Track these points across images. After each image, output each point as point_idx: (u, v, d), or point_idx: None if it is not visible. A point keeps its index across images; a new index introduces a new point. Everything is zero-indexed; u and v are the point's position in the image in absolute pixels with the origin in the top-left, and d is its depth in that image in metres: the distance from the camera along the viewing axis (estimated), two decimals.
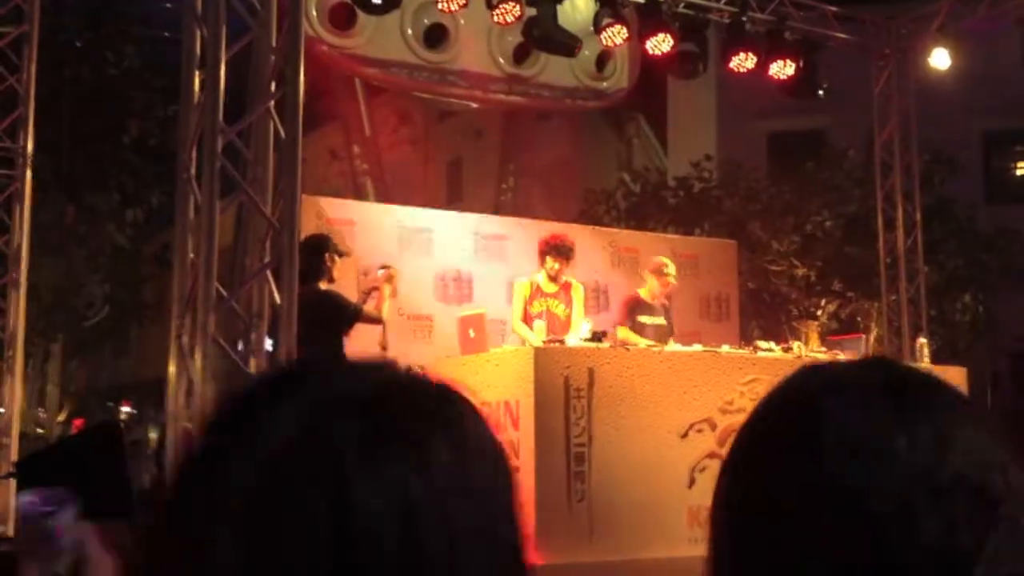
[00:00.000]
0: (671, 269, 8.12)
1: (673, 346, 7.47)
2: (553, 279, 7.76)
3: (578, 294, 7.86)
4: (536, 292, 7.77)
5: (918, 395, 0.80)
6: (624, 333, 7.70)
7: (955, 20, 10.14)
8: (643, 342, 7.42)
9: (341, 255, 6.96)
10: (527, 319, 7.66)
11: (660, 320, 8.04)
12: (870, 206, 11.84)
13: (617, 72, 10.45)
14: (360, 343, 6.99)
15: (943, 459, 0.75)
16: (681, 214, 14.89)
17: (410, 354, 7.67)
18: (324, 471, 0.64)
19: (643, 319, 7.95)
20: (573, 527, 6.35)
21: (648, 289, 8.14)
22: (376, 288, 7.03)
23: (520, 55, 9.72)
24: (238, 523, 0.64)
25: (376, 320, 6.91)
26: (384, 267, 7.19)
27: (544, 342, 6.86)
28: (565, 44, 8.95)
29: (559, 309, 7.76)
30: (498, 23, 8.97)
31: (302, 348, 6.18)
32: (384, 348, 7.15)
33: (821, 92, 9.81)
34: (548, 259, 7.71)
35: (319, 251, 6.76)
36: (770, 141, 18.50)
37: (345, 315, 6.74)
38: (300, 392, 0.69)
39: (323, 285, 6.77)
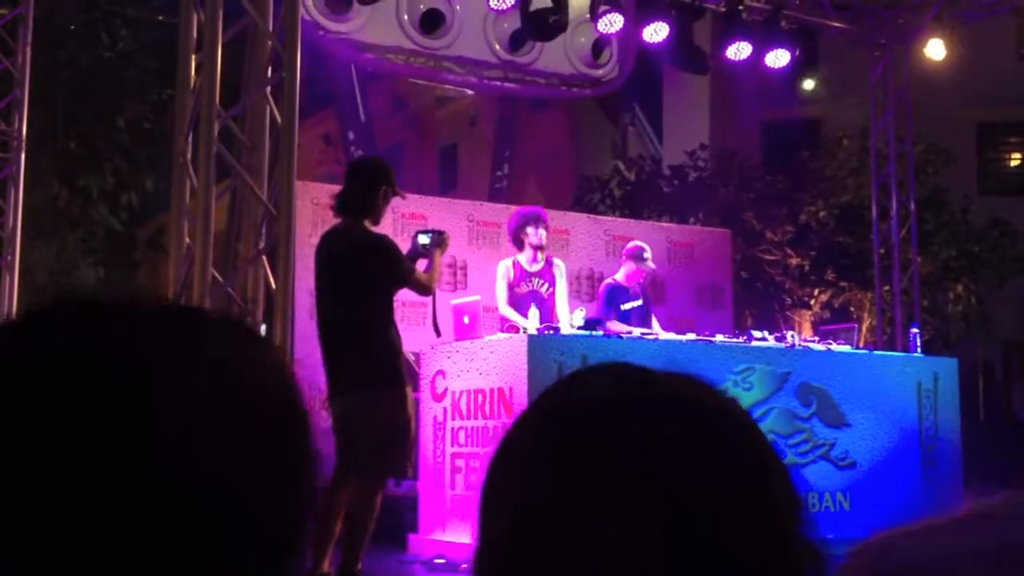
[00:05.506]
0: (648, 253, 8.07)
1: (667, 334, 7.47)
2: (539, 248, 7.46)
3: (560, 271, 7.66)
4: (521, 273, 7.53)
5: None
6: (616, 327, 7.60)
7: (951, 10, 10.15)
8: (637, 330, 7.41)
9: (396, 195, 5.62)
10: (514, 302, 7.45)
11: (639, 302, 8.01)
12: (864, 196, 11.89)
13: (613, 60, 10.43)
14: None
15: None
16: (676, 203, 14.92)
17: (404, 341, 7.64)
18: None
19: (626, 306, 7.91)
20: None
21: (624, 273, 8.03)
22: (424, 256, 5.79)
23: (516, 42, 9.70)
24: None
25: (426, 289, 5.74)
26: (429, 231, 5.91)
27: (537, 329, 6.84)
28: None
29: (543, 288, 7.55)
30: (494, 9, 8.97)
31: (344, 299, 5.40)
32: (438, 332, 6.12)
33: (817, 84, 9.83)
34: (529, 229, 7.41)
35: (376, 181, 5.52)
36: (765, 130, 18.51)
37: (398, 273, 5.53)
38: None
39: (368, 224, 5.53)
